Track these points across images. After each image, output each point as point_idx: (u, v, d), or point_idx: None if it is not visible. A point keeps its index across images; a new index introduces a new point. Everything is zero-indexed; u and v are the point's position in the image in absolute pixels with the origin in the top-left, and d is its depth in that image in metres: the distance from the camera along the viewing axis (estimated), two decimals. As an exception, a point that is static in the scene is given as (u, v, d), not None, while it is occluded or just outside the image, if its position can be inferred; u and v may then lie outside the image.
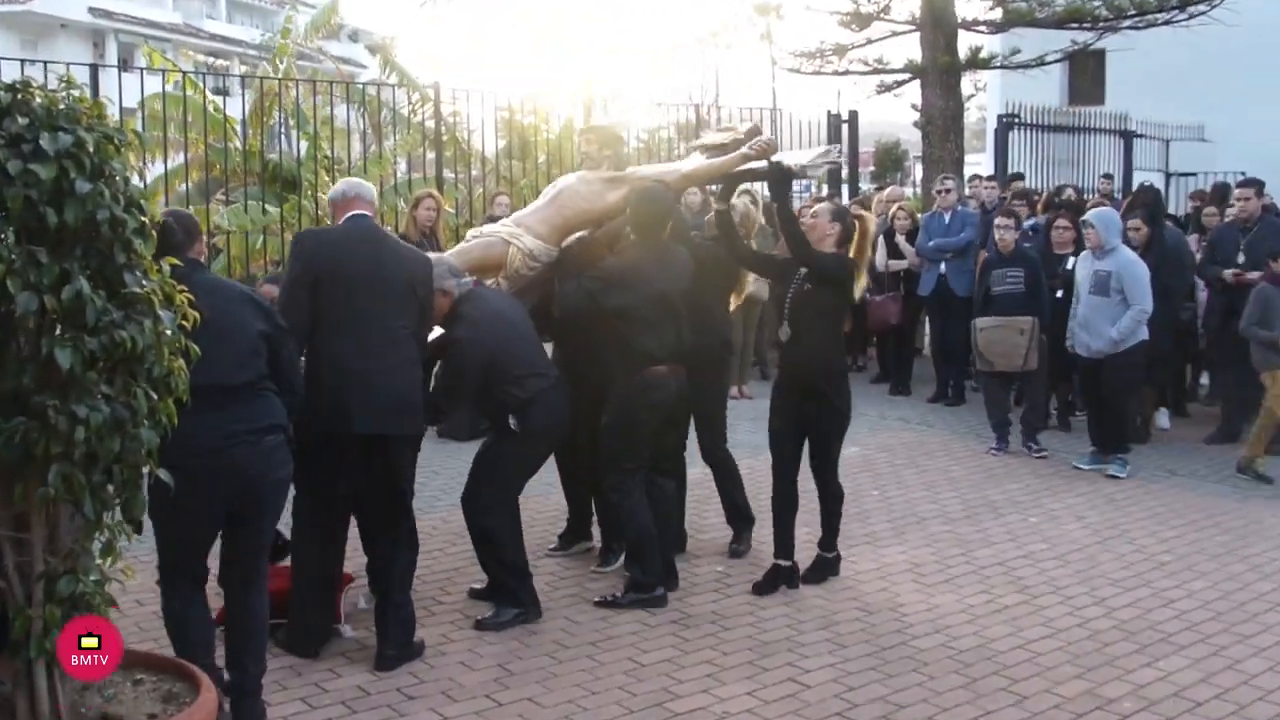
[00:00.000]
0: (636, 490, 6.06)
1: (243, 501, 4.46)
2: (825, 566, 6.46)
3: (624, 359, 6.06)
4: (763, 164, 6.34)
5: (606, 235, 6.38)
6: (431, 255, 5.97)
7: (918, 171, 25.02)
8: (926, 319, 12.39)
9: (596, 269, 6.13)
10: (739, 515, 6.93)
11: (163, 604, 4.58)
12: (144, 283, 3.40)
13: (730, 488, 6.93)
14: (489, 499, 5.76)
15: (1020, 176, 14.28)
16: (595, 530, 6.89)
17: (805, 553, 6.45)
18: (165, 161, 11.69)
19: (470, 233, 6.73)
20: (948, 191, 11.58)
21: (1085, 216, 9.10)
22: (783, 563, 6.31)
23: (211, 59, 19.52)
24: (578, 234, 6.38)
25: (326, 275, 5.09)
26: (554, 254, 6.28)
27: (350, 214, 5.33)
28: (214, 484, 4.33)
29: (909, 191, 19.33)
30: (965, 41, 17.24)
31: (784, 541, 6.32)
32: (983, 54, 17.15)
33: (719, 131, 6.98)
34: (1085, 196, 13.32)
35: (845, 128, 15.29)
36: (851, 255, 6.34)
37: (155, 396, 3.42)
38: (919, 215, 12.36)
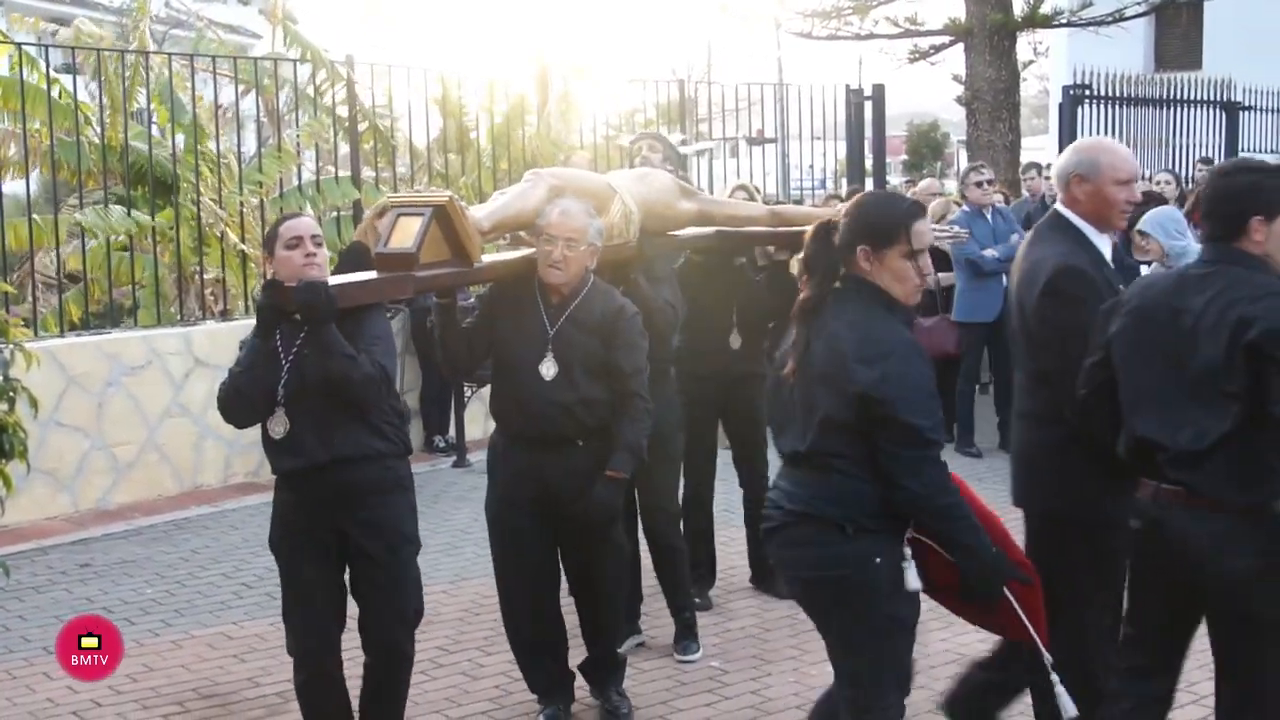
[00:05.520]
0: None
1: None
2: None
3: None
4: None
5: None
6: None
7: (962, 158, 25.17)
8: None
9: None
10: None
11: None
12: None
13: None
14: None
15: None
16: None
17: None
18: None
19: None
20: (988, 183, 11.24)
21: (1140, 226, 8.61)
22: None
23: (55, 28, 19.30)
24: None
25: None
26: (637, 233, 6.08)
27: None
28: None
29: (950, 186, 19.34)
30: (1022, -8, 17.37)
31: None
32: (1044, 9, 17.27)
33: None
34: (1183, 188, 13.25)
35: (869, 106, 15.11)
36: None
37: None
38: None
